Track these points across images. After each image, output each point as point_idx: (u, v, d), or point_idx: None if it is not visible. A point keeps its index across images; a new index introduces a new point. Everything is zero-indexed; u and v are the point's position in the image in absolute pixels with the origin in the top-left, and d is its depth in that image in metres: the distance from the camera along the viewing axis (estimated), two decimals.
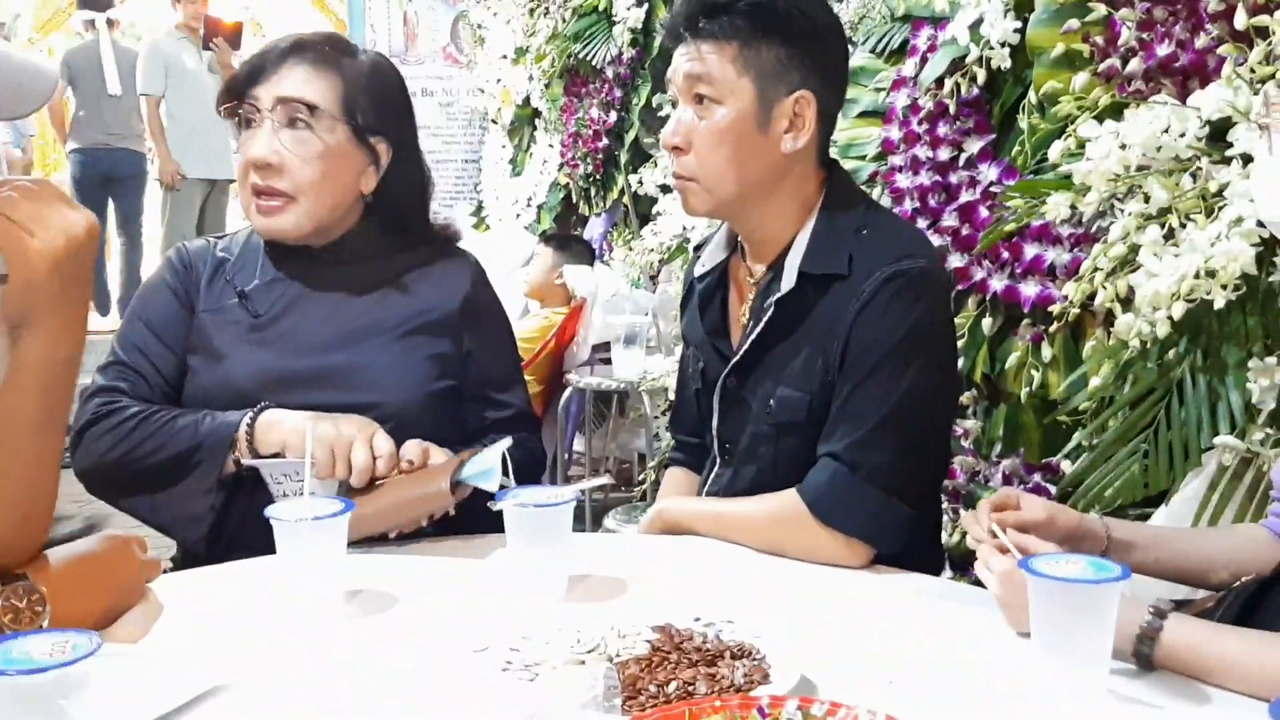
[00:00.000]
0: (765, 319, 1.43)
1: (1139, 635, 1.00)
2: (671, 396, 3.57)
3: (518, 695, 0.93)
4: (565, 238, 4.27)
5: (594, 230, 4.55)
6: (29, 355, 0.93)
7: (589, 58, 4.20)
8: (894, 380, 1.35)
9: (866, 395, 1.35)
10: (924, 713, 0.94)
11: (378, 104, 1.56)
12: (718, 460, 1.56)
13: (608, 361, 3.71)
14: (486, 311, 1.66)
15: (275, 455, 1.42)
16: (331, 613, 1.17)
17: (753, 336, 1.44)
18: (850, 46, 2.61)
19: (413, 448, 1.43)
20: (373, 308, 1.57)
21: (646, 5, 3.83)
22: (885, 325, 1.35)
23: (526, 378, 4.15)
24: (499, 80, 5.10)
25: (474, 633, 1.10)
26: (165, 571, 1.44)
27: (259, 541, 1.22)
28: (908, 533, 1.37)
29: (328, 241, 1.57)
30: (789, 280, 1.41)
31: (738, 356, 1.47)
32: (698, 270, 1.61)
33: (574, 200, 4.77)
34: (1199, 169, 1.61)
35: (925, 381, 1.37)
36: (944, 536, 2.18)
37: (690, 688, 0.95)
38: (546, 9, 4.56)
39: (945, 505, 2.22)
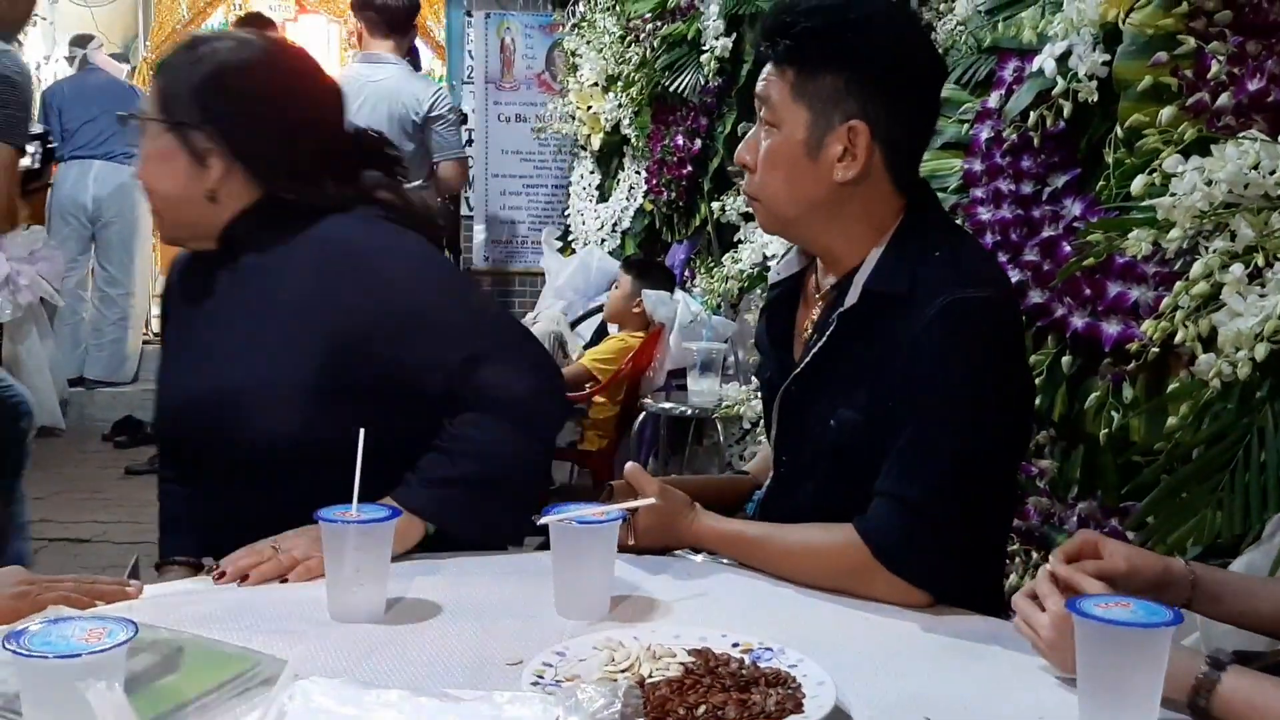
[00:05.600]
0: (829, 332, 1.41)
1: (1195, 687, 0.96)
2: (746, 425, 3.58)
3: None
4: (646, 264, 4.29)
5: (676, 257, 4.56)
6: None
7: (676, 88, 4.23)
8: (962, 420, 1.31)
9: (934, 434, 1.31)
10: None
11: (198, 95, 1.46)
12: (772, 474, 1.55)
13: (684, 387, 3.70)
14: (375, 276, 1.45)
15: None
16: (374, 617, 1.18)
17: (815, 349, 1.43)
18: None
19: None
20: (241, 314, 1.49)
21: (735, 35, 3.84)
22: (947, 359, 1.31)
23: (599, 400, 4.18)
24: (590, 107, 5.16)
25: (512, 646, 1.10)
26: None
27: None
28: (971, 576, 1.34)
29: (211, 247, 1.52)
30: (853, 296, 1.39)
31: (799, 368, 1.46)
32: (771, 279, 1.62)
33: (657, 227, 4.79)
34: None
35: (994, 421, 1.34)
36: (1013, 578, 2.12)
37: (720, 712, 0.93)
38: (637, 37, 4.60)
39: (1016, 546, 2.16)
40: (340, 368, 1.43)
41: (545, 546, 1.28)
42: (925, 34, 1.65)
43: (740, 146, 1.48)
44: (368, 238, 1.48)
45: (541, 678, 1.00)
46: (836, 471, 1.41)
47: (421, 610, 1.22)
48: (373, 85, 4.04)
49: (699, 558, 1.49)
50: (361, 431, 1.23)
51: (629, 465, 1.48)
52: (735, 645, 1.08)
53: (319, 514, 1.20)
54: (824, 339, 1.42)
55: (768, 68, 1.42)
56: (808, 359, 1.44)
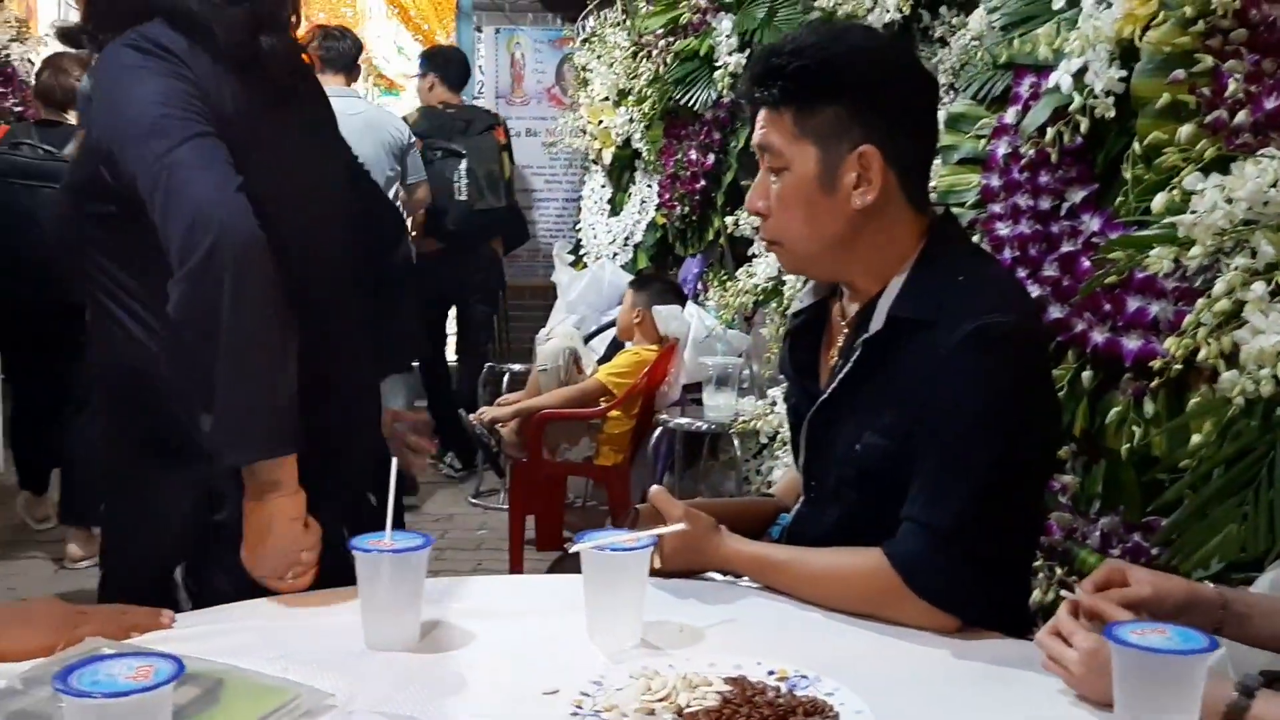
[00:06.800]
0: (853, 359, 1.42)
1: (1226, 714, 0.96)
2: (763, 440, 3.58)
3: None
4: (647, 278, 4.30)
5: (689, 271, 4.57)
6: None
7: (689, 103, 4.24)
8: (988, 444, 1.31)
9: (960, 460, 1.31)
10: None
11: None
12: (802, 498, 1.55)
13: (699, 402, 3.70)
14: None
15: None
16: (408, 645, 1.19)
17: (840, 376, 1.43)
18: (952, 93, 2.60)
19: None
20: None
21: (747, 51, 3.85)
22: (972, 384, 1.31)
23: (614, 415, 4.19)
24: (600, 122, 5.17)
25: (546, 674, 1.11)
26: None
27: None
28: (998, 597, 1.34)
29: None
30: (878, 322, 1.39)
31: (825, 395, 1.46)
32: (793, 307, 1.62)
33: (670, 241, 4.80)
34: None
35: (1020, 445, 1.34)
36: (1036, 594, 2.12)
37: None
38: (649, 53, 4.62)
39: (1040, 562, 2.16)
40: (89, 186, 1.47)
41: (564, 569, 1.29)
42: (913, 53, 1.69)
43: (750, 195, 1.48)
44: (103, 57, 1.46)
45: (580, 708, 1.01)
46: (863, 496, 1.41)
47: (456, 638, 1.23)
48: (352, 118, 4.18)
49: (722, 580, 1.49)
50: (394, 461, 1.24)
51: (653, 489, 1.48)
52: (771, 673, 1.09)
53: (352, 543, 1.21)
54: (849, 365, 1.42)
55: (762, 115, 1.42)
56: (833, 386, 1.45)
